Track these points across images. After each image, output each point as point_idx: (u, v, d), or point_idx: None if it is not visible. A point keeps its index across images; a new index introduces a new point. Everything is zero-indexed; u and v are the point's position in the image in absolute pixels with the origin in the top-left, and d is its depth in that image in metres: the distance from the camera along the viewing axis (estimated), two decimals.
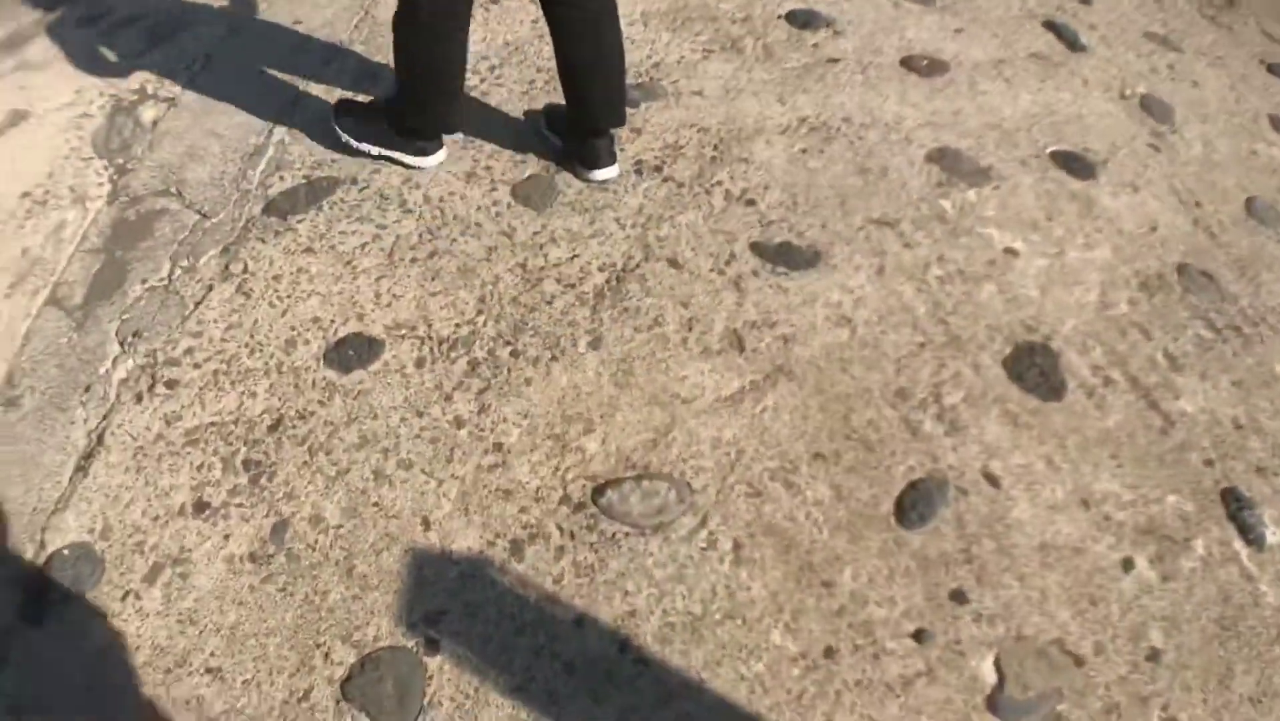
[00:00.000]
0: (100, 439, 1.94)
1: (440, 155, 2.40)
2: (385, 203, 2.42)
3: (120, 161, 2.60)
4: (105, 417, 1.98)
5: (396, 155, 2.40)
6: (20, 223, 2.43)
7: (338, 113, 2.44)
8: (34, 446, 1.93)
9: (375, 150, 2.40)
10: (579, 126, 2.30)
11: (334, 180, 2.50)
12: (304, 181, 2.51)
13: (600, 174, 2.34)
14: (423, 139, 2.34)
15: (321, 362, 2.07)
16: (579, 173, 2.38)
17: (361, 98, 2.71)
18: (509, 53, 2.97)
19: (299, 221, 2.39)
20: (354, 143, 2.42)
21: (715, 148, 2.65)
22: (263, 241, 2.34)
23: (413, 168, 2.47)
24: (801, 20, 3.14)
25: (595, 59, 2.16)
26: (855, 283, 2.23)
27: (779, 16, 3.18)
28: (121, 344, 2.12)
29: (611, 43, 2.15)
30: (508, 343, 2.05)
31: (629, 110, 2.53)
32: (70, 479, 1.88)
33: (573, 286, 2.17)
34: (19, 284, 2.27)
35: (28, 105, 2.86)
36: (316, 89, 2.84)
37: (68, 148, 2.66)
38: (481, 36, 3.04)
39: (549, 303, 2.13)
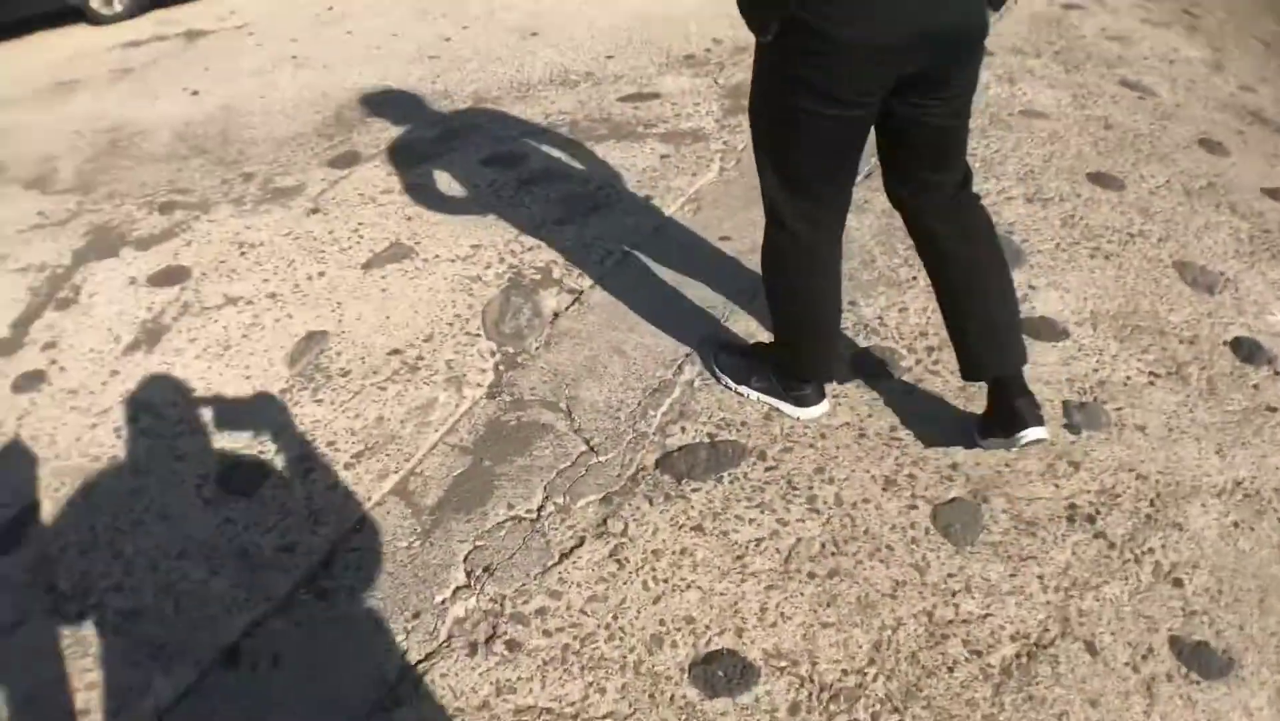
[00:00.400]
0: (417, 682, 2.30)
1: (821, 408, 2.89)
2: (792, 493, 2.72)
3: (510, 351, 3.16)
4: (428, 658, 2.36)
5: (775, 402, 2.91)
6: (382, 384, 3.03)
7: (717, 350, 3.01)
8: (333, 656, 2.33)
9: (754, 395, 2.94)
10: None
11: (740, 448, 2.92)
12: (707, 440, 2.94)
13: (1028, 434, 2.61)
14: (801, 386, 2.83)
15: (686, 675, 2.35)
16: (1002, 443, 2.70)
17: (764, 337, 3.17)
18: None
19: (694, 490, 2.78)
20: (731, 384, 2.98)
21: (1151, 504, 2.89)
22: (650, 502, 2.76)
23: (794, 418, 2.89)
24: (1246, 351, 3.50)
25: (982, 296, 2.59)
26: (1256, 703, 2.28)
27: (1224, 342, 3.51)
28: (469, 575, 2.53)
29: (1000, 278, 2.58)
30: (895, 710, 2.21)
31: (1070, 437, 2.88)
32: (368, 715, 2.26)
33: (979, 654, 2.33)
34: (365, 456, 2.82)
35: (413, 241, 3.60)
36: (738, 324, 3.33)
37: (452, 312, 3.30)
38: (922, 305, 3.46)
39: (950, 669, 2.29)
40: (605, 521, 2.67)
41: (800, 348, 2.78)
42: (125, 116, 5.27)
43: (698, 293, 3.46)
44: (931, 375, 3.12)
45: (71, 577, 2.62)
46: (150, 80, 5.73)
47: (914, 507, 2.71)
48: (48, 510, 2.80)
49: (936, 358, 3.19)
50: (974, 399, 2.98)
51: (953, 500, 2.73)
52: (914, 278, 3.50)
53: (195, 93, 5.25)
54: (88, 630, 2.50)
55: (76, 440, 3.01)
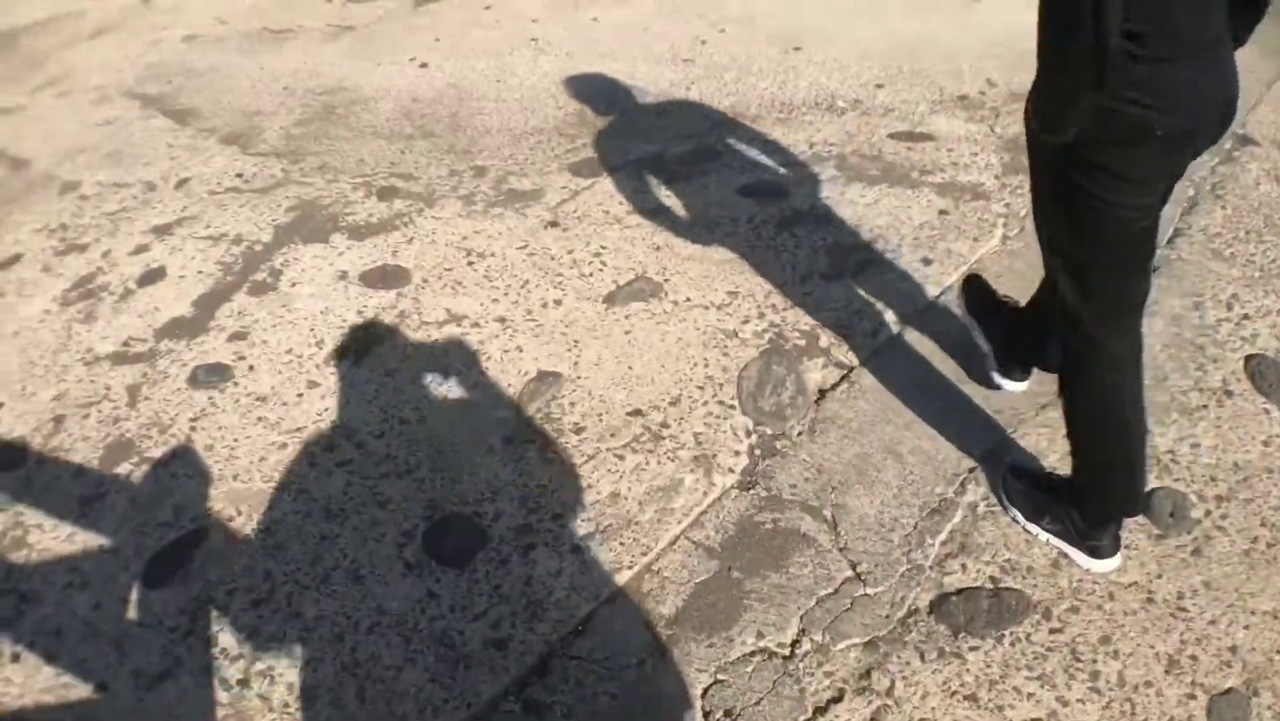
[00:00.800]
0: None
1: (1114, 562, 2.67)
2: (1075, 666, 2.49)
3: (768, 432, 2.85)
4: None
5: (1067, 548, 2.69)
6: (620, 451, 2.72)
7: (1008, 477, 2.81)
8: None
9: (1045, 536, 2.72)
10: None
11: (1025, 601, 2.60)
12: (989, 585, 2.62)
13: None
14: (1099, 535, 2.63)
15: None
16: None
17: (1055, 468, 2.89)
18: (1237, 482, 3.01)
19: (971, 647, 2.48)
20: (1021, 519, 2.75)
21: None
22: (922, 657, 2.44)
23: (1084, 570, 2.67)
24: None
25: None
26: None
27: None
28: (706, 717, 2.25)
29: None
30: None
31: None
32: None
33: None
34: (596, 539, 2.52)
35: (662, 277, 3.27)
36: (1027, 438, 3.00)
37: (704, 373, 2.98)
38: (1214, 442, 3.11)
39: None
40: (869, 673, 2.40)
41: (1101, 473, 2.59)
42: (343, 80, 5.11)
43: (981, 390, 3.13)
44: (1219, 532, 2.82)
45: (238, 633, 2.42)
46: (373, 43, 5.56)
47: (1192, 697, 2.47)
48: (217, 541, 2.62)
49: (1225, 511, 2.88)
50: (1257, 565, 2.74)
51: (1228, 691, 2.50)
52: (1204, 406, 3.17)
53: (424, 65, 5.04)
54: (250, 701, 2.32)
55: (261, 460, 2.78)
